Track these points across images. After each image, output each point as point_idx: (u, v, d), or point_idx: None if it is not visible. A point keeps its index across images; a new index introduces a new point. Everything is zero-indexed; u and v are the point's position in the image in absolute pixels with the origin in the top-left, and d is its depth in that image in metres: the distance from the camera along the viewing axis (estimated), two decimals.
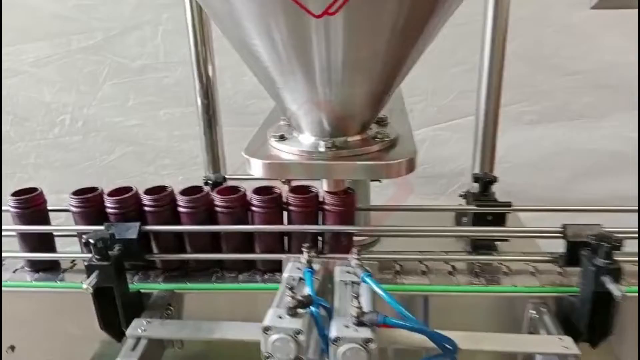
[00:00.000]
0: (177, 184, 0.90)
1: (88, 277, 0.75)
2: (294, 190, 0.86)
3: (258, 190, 0.86)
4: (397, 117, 0.86)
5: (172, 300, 0.84)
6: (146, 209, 0.86)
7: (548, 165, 1.79)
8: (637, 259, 0.82)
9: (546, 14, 1.61)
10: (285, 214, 0.87)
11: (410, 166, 0.72)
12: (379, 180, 1.08)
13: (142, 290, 0.85)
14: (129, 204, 0.86)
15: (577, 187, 1.79)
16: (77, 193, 0.87)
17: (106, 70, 1.80)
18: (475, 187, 0.98)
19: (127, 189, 0.87)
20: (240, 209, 0.85)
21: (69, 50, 1.78)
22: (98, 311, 0.78)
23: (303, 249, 0.74)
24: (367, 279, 0.69)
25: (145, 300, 0.84)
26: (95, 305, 0.78)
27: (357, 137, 0.76)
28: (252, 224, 0.86)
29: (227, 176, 1.06)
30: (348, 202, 0.84)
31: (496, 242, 0.93)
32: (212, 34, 1.11)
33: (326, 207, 0.84)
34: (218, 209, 0.85)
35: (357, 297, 0.63)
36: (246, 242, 0.88)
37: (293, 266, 0.75)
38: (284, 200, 0.86)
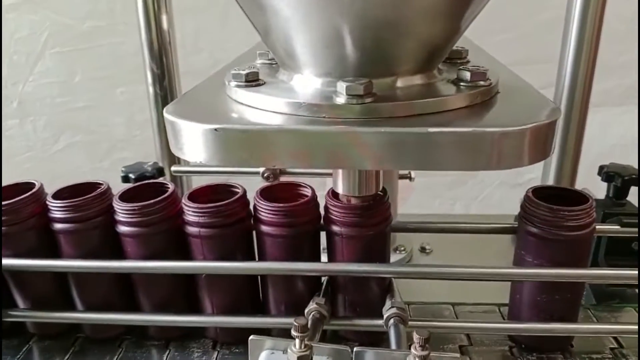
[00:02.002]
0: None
1: None
2: (267, 192, 0.46)
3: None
4: (476, 54, 0.45)
5: None
6: (57, 226, 0.46)
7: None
8: None
9: None
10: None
11: (549, 139, 0.31)
12: (410, 177, 0.68)
13: None
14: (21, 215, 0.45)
15: None
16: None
17: (46, 34, 1.40)
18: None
19: (27, 187, 0.47)
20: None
21: None
22: None
23: (292, 326, 0.33)
24: None
25: None
26: None
27: (418, 80, 0.35)
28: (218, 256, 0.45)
29: (175, 169, 0.66)
30: (381, 215, 0.43)
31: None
32: None
33: (336, 227, 0.43)
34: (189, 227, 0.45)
35: None
36: (178, 288, 0.48)
37: None
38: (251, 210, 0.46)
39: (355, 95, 0.31)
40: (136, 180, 0.53)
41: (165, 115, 0.33)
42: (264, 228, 0.44)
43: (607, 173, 0.54)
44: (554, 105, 0.33)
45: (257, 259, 0.47)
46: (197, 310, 0.48)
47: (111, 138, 1.50)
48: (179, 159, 0.84)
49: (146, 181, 0.50)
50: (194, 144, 0.32)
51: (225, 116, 0.34)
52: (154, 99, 0.81)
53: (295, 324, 0.32)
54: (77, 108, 1.46)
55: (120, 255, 0.46)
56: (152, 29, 0.76)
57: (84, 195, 0.45)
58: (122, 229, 0.45)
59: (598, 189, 0.62)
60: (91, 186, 0.48)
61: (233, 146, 0.32)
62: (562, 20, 0.69)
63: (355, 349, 0.35)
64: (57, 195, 0.46)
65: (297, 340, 0.32)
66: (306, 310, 0.42)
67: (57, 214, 0.45)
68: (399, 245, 0.66)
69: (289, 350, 0.32)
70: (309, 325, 0.33)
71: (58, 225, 0.45)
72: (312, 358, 0.33)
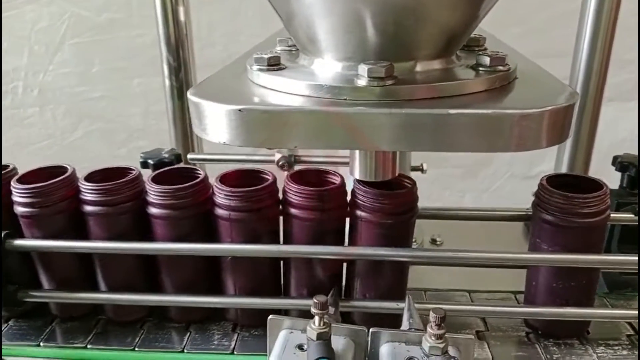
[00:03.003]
0: None
1: None
2: (297, 177, 0.47)
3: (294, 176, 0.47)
4: (493, 42, 0.46)
5: None
6: (88, 208, 0.47)
7: None
8: None
9: None
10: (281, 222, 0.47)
11: (567, 122, 0.32)
12: (422, 169, 0.68)
13: None
14: (52, 198, 0.46)
15: None
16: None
17: (65, 26, 1.43)
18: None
19: (58, 171, 0.48)
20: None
21: None
22: None
23: (312, 303, 0.34)
24: None
25: None
26: None
27: (437, 64, 0.36)
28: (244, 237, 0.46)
29: (191, 156, 0.67)
30: (406, 202, 0.44)
31: None
32: None
33: (361, 211, 0.44)
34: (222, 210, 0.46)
35: None
36: (201, 271, 0.49)
37: (288, 340, 0.35)
38: (280, 196, 0.47)
39: (377, 77, 0.32)
40: (155, 166, 0.54)
41: (190, 96, 0.34)
42: (293, 211, 0.45)
43: (622, 163, 0.54)
44: (571, 90, 0.33)
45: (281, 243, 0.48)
46: (219, 292, 0.49)
47: (128, 127, 1.52)
48: (193, 147, 0.85)
49: (177, 166, 0.51)
50: (217, 124, 0.33)
51: (248, 98, 0.35)
52: (169, 91, 0.83)
53: (315, 300, 0.33)
54: (94, 97, 1.48)
55: (147, 240, 0.47)
56: (169, 22, 0.77)
57: (115, 180, 0.46)
58: (154, 210, 0.46)
59: (610, 182, 0.62)
60: (122, 171, 0.49)
61: (256, 127, 0.33)
62: (575, 14, 0.69)
63: (371, 329, 0.35)
64: (89, 178, 0.48)
65: (317, 318, 0.33)
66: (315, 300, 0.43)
67: (89, 197, 0.46)
68: None
69: (308, 328, 0.33)
70: (328, 304, 0.34)
71: (89, 208, 0.46)
72: (330, 336, 0.34)
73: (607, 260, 0.46)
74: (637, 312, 0.45)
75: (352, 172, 0.44)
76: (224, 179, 0.47)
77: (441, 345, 0.32)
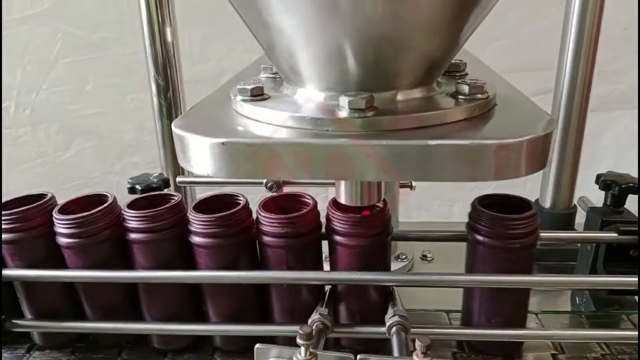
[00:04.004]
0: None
1: None
2: (270, 204, 0.47)
3: (199, 203, 0.47)
4: (474, 66, 0.46)
5: None
6: (62, 240, 0.47)
7: None
8: None
9: None
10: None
11: (545, 150, 0.32)
12: (411, 185, 0.69)
13: None
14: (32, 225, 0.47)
15: None
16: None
17: (58, 45, 1.44)
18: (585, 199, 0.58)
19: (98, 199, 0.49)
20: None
21: (11, 19, 1.41)
22: None
23: (298, 334, 0.34)
24: None
25: None
26: None
27: (418, 93, 0.36)
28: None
29: (180, 179, 0.67)
30: (381, 226, 0.44)
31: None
32: None
33: (337, 236, 0.44)
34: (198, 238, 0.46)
35: None
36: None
37: None
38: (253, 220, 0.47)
39: (357, 109, 0.32)
40: (142, 191, 0.54)
41: (174, 129, 0.35)
42: (266, 239, 0.45)
43: (605, 182, 0.55)
44: (549, 117, 0.34)
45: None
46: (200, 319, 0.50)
47: (122, 143, 1.52)
48: (183, 169, 0.85)
49: (216, 193, 0.50)
50: (201, 157, 0.34)
51: (231, 130, 0.35)
52: (158, 110, 0.83)
53: (301, 332, 0.33)
54: (88, 115, 1.49)
55: (190, 265, 0.47)
56: (156, 42, 0.77)
57: (158, 206, 0.46)
58: (196, 239, 0.46)
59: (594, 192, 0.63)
60: (163, 197, 0.49)
61: (240, 159, 0.33)
62: (559, 28, 0.70)
63: (359, 356, 0.36)
64: (132, 205, 0.48)
65: (303, 349, 0.33)
66: (310, 320, 0.43)
67: (133, 224, 0.46)
68: (400, 254, 0.67)
69: (294, 358, 0.33)
70: (313, 334, 0.34)
71: (133, 235, 0.46)
72: None
73: (594, 282, 0.46)
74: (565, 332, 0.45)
75: (337, 197, 0.44)
76: (267, 205, 0.47)
77: None
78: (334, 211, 0.45)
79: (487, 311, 0.46)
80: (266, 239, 0.45)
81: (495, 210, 0.44)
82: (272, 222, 0.44)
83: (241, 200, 0.47)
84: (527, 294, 0.47)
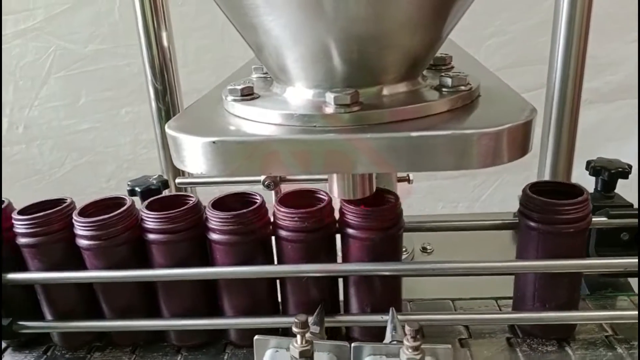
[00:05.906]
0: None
1: None
2: (286, 199, 0.48)
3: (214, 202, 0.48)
4: (461, 59, 0.48)
5: None
6: (82, 242, 0.47)
7: None
8: None
9: None
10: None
11: (526, 137, 0.33)
12: (409, 179, 0.69)
13: None
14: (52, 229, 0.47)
15: None
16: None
17: (51, 59, 1.44)
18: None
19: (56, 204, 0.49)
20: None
21: (3, 34, 1.42)
22: None
23: (293, 322, 0.35)
24: None
25: None
26: None
27: (403, 87, 0.38)
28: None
29: (179, 181, 0.68)
30: (391, 217, 0.45)
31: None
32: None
33: (349, 228, 0.45)
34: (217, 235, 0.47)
35: None
36: (198, 293, 0.50)
37: (275, 359, 0.36)
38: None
39: (343, 104, 0.33)
40: (142, 193, 0.55)
41: (167, 130, 0.36)
42: (284, 234, 0.46)
43: (594, 167, 0.56)
44: (531, 106, 0.35)
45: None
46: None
47: (117, 158, 1.52)
48: (182, 171, 0.86)
49: (234, 192, 0.51)
50: (194, 156, 0.35)
51: (222, 129, 0.36)
52: (157, 114, 0.83)
53: (296, 320, 0.34)
54: (82, 130, 1.48)
55: (205, 263, 0.48)
56: (152, 47, 0.78)
57: (175, 208, 0.47)
58: (214, 236, 0.46)
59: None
60: (180, 198, 0.50)
61: (231, 157, 0.34)
62: (551, 24, 0.71)
63: (353, 344, 0.36)
64: (148, 207, 0.48)
65: (299, 337, 0.34)
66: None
67: (151, 225, 0.47)
68: None
69: (290, 346, 0.34)
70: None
71: (152, 236, 0.47)
72: (313, 353, 0.34)
73: (591, 264, 0.47)
74: (614, 313, 0.46)
75: (330, 191, 0.45)
76: (283, 201, 0.48)
77: (417, 357, 0.33)
78: (347, 205, 0.45)
79: (541, 296, 0.47)
80: (285, 233, 0.46)
81: (545, 197, 0.45)
82: (293, 217, 0.45)
83: (258, 198, 0.48)
84: (580, 278, 0.48)
